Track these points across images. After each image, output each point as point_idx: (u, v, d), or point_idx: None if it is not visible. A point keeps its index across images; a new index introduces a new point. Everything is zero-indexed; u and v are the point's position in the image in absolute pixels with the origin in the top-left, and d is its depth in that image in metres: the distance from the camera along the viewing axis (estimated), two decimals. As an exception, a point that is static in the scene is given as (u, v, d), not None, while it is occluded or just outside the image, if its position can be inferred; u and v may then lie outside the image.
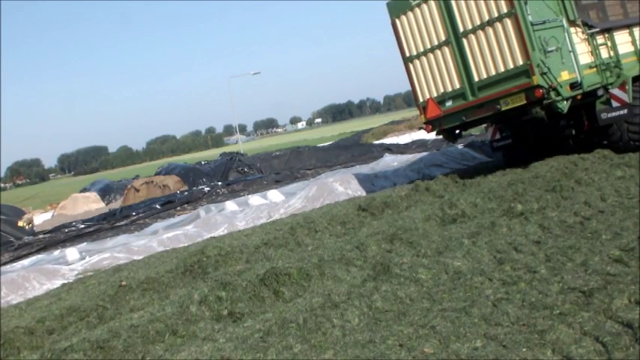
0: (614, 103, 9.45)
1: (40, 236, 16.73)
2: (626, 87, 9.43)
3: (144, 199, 20.87)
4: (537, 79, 8.79)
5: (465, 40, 9.78)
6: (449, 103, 10.26)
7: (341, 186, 12.86)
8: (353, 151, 25.66)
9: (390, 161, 16.39)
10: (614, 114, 9.43)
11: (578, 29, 9.48)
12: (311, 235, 7.94)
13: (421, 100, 10.76)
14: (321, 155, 25.75)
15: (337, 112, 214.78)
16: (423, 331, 3.94)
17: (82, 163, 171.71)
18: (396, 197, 9.46)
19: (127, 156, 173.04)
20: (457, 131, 11.10)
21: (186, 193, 19.55)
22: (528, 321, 3.77)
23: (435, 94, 10.48)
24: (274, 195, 14.12)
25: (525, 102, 9.08)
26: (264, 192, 15.15)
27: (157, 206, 17.90)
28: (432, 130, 10.86)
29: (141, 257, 9.95)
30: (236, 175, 24.08)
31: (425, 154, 15.61)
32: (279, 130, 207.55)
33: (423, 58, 10.59)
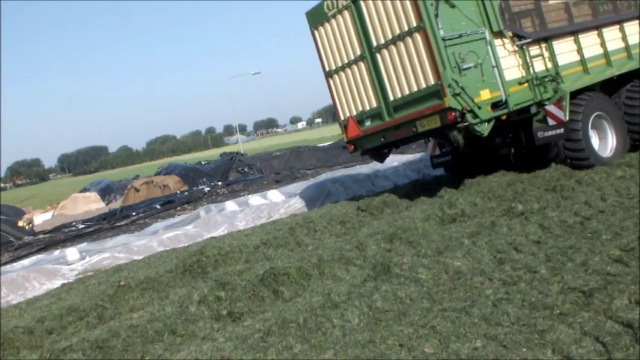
0: (551, 121, 8.55)
1: (40, 236, 16.73)
2: (563, 103, 8.50)
3: (144, 199, 20.87)
4: (449, 101, 7.87)
5: (378, 56, 8.85)
6: (368, 123, 9.39)
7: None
8: (353, 151, 25.56)
9: (390, 161, 16.37)
10: (550, 133, 8.55)
11: (506, 41, 8.54)
12: (310, 235, 7.94)
13: (342, 118, 9.86)
14: (321, 155, 25.74)
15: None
16: (423, 331, 3.93)
17: (82, 163, 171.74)
18: (395, 197, 9.45)
19: (127, 156, 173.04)
20: (385, 150, 10.19)
21: (186, 193, 19.55)
22: (528, 321, 3.76)
23: (354, 113, 9.59)
24: (274, 195, 14.11)
25: (440, 125, 8.23)
26: (264, 192, 15.15)
27: (157, 206, 17.90)
28: (354, 151, 10.08)
29: (141, 257, 9.94)
30: (236, 175, 24.09)
31: (425, 154, 15.57)
32: (279, 130, 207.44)
33: (342, 74, 9.65)
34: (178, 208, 17.62)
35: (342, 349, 3.93)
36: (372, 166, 15.44)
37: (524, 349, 3.39)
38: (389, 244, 6.32)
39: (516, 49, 8.63)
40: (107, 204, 28.72)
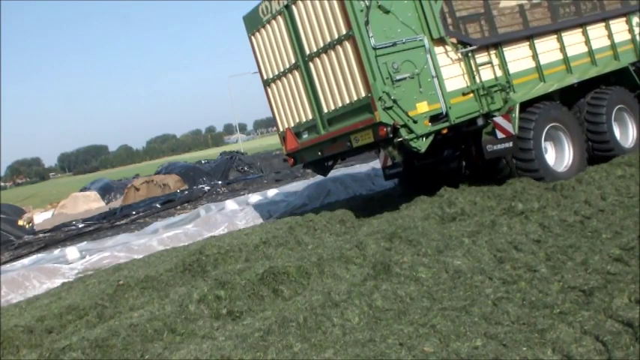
0: (499, 134, 7.97)
1: (40, 235, 16.78)
2: (512, 115, 7.92)
3: (144, 198, 20.92)
4: (379, 115, 7.31)
5: (311, 65, 8.32)
6: (305, 136, 8.89)
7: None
8: (353, 150, 25.54)
9: (391, 160, 16.35)
10: (499, 146, 7.98)
11: (448, 48, 7.94)
12: (310, 234, 7.93)
13: (281, 129, 9.35)
14: (321, 154, 25.67)
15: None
16: (423, 330, 3.93)
17: (82, 162, 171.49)
18: (395, 196, 9.44)
19: (127, 155, 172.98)
20: (329, 163, 9.68)
21: (186, 192, 19.58)
22: (528, 320, 3.76)
23: (292, 124, 9.08)
24: (274, 194, 14.12)
25: (374, 140, 7.70)
26: (265, 191, 15.17)
27: (157, 205, 17.94)
28: (294, 164, 9.54)
29: (141, 256, 9.94)
30: (236, 174, 24.13)
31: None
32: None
33: (279, 83, 9.11)
34: (178, 207, 17.65)
35: (342, 348, 3.93)
36: (373, 165, 15.45)
37: (525, 348, 3.39)
38: (389, 243, 6.31)
39: (460, 56, 8.05)
40: (107, 203, 28.77)
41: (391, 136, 7.42)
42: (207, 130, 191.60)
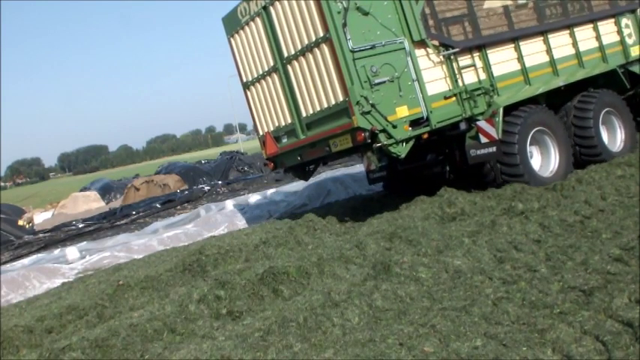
0: (483, 139, 7.81)
1: (41, 235, 16.77)
2: (495, 120, 7.78)
3: (144, 198, 20.92)
4: (357, 120, 7.11)
5: (290, 68, 8.14)
6: (284, 140, 8.72)
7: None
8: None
9: (390, 160, 16.34)
10: (483, 151, 7.84)
11: (430, 51, 7.74)
12: (310, 234, 7.93)
13: (261, 133, 9.19)
14: (321, 154, 25.66)
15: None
16: (423, 330, 3.92)
17: (82, 162, 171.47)
18: (395, 196, 9.44)
19: (127, 155, 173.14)
20: (311, 167, 9.54)
21: (186, 192, 19.59)
22: (528, 320, 3.76)
23: (271, 128, 8.91)
24: (274, 194, 14.12)
25: (352, 145, 7.51)
26: (265, 191, 15.17)
27: (157, 205, 17.94)
28: (275, 168, 9.45)
29: (141, 256, 9.94)
30: (236, 174, 24.15)
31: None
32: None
33: (258, 86, 8.92)
34: (178, 207, 17.65)
35: (342, 348, 3.93)
36: (372, 165, 15.43)
37: (525, 348, 3.39)
38: (389, 243, 6.31)
39: (442, 59, 7.84)
40: (107, 203, 28.79)
41: (369, 141, 7.25)
42: (207, 130, 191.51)
